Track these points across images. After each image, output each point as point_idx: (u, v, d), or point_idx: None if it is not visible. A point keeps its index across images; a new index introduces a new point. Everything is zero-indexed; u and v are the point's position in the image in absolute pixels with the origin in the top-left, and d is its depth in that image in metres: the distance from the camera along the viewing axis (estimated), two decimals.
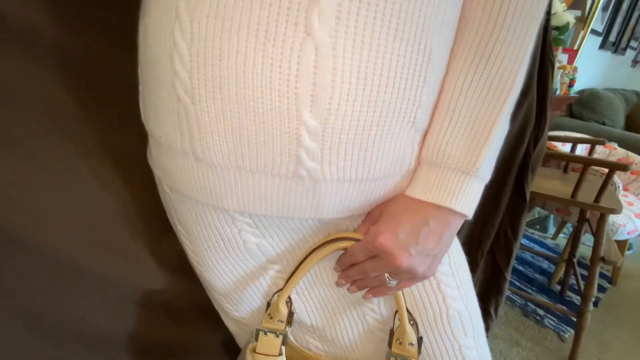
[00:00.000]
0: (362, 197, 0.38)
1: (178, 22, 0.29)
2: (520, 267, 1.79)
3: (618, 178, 1.76)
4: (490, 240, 1.26)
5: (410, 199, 0.38)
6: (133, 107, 0.42)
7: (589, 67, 2.88)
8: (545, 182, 1.32)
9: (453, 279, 0.44)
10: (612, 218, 1.43)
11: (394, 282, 0.39)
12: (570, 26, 1.75)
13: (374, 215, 0.40)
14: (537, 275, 1.75)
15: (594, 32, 2.60)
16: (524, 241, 2.06)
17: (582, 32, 2.37)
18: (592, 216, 1.40)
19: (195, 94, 0.30)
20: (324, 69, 0.28)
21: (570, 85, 1.90)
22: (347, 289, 0.44)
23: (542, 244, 2.04)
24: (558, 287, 1.67)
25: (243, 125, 0.31)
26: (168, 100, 0.33)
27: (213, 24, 0.28)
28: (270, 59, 0.28)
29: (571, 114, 2.53)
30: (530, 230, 2.19)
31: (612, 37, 3.00)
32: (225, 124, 0.31)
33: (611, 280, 1.78)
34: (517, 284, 1.67)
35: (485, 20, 0.34)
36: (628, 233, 1.44)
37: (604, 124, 2.42)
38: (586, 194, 1.18)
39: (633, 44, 3.52)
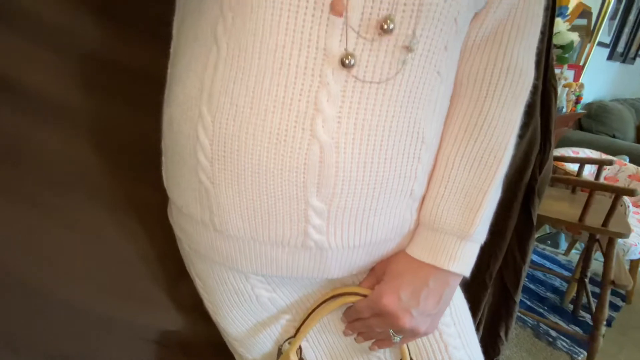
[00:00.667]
0: (366, 258, 0.41)
1: (201, 120, 0.33)
2: (531, 286, 1.78)
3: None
4: (498, 263, 1.27)
5: (411, 258, 0.41)
6: (155, 162, 0.45)
7: (598, 79, 2.87)
8: (553, 203, 1.33)
9: (455, 328, 0.47)
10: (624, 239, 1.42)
11: (398, 338, 0.41)
12: (575, 44, 1.77)
13: (378, 271, 0.43)
14: (549, 294, 1.74)
15: (600, 44, 2.60)
16: (535, 258, 2.05)
17: (588, 45, 2.37)
18: (603, 236, 1.39)
19: (216, 179, 0.34)
20: (328, 163, 0.31)
21: (577, 102, 1.90)
22: (354, 339, 0.47)
23: (554, 261, 2.03)
24: (571, 306, 1.66)
25: (257, 206, 0.34)
26: (190, 180, 0.36)
27: (232, 125, 0.31)
28: (282, 156, 0.31)
29: (580, 127, 2.52)
30: (542, 246, 2.17)
31: (620, 48, 2.98)
32: (242, 204, 0.34)
33: (625, 299, 1.75)
34: (529, 303, 1.66)
35: (474, 101, 0.38)
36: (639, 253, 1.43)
37: (614, 136, 2.40)
38: (595, 217, 1.18)
39: None
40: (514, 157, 1.31)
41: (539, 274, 1.89)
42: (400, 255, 0.42)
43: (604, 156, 1.90)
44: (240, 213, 0.35)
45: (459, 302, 0.48)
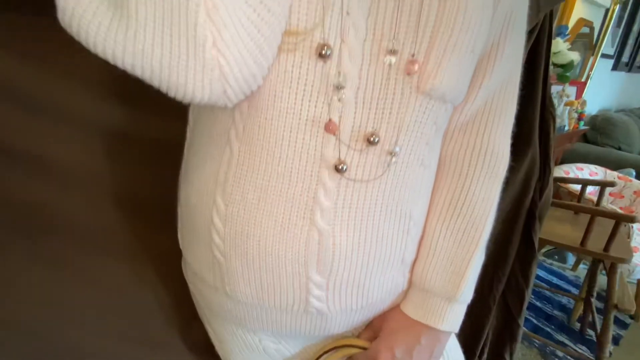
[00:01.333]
0: (363, 317, 0.45)
1: (216, 207, 0.37)
2: (538, 303, 1.78)
3: (637, 205, 1.75)
4: (502, 286, 1.29)
5: (404, 316, 0.44)
6: (171, 214, 0.49)
7: (603, 90, 2.87)
8: (555, 225, 1.35)
9: None
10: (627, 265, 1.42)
11: None
12: (575, 63, 1.79)
13: (375, 325, 0.47)
14: (556, 312, 1.74)
15: (604, 55, 2.61)
16: (542, 273, 2.05)
17: (591, 58, 2.38)
18: None
19: (227, 255, 0.38)
20: (326, 246, 0.36)
21: (580, 118, 1.91)
22: None
23: (561, 276, 2.02)
24: (578, 325, 1.66)
25: (264, 279, 0.38)
26: (205, 252, 0.41)
27: (243, 213, 0.36)
28: (285, 241, 0.35)
29: (586, 139, 2.52)
30: (549, 261, 2.17)
31: (625, 58, 2.98)
32: (250, 277, 0.39)
33: (633, 316, 1.74)
34: (535, 321, 1.67)
35: (456, 179, 0.42)
36: None
37: (619, 149, 2.40)
38: (597, 240, 1.20)
39: None
40: (514, 183, 1.33)
41: (546, 291, 1.89)
42: (395, 311, 0.45)
43: (608, 172, 1.91)
44: (249, 284, 0.39)
45: (452, 349, 0.52)
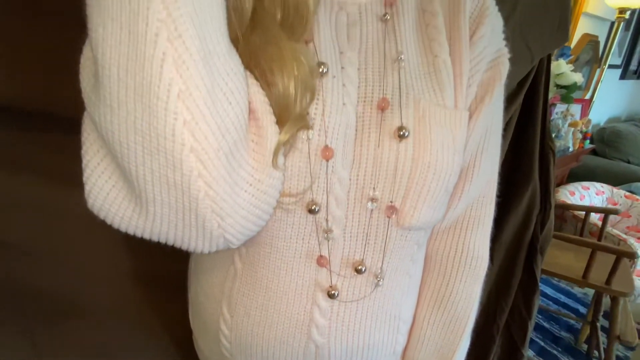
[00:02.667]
0: None
1: (222, 315, 0.42)
2: (545, 324, 1.79)
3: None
4: (505, 315, 1.31)
5: None
6: (183, 281, 0.54)
7: (611, 100, 2.85)
8: (558, 254, 1.36)
9: None
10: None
11: None
12: (578, 84, 1.79)
13: None
14: (563, 333, 1.75)
15: (611, 66, 2.59)
16: (549, 291, 2.05)
17: (597, 72, 2.37)
18: None
19: (234, 355, 0.43)
20: (322, 355, 0.40)
21: (585, 138, 1.91)
22: None
23: (569, 294, 2.02)
24: (585, 346, 1.66)
25: None
26: (214, 346, 0.45)
27: (246, 324, 0.40)
28: (285, 350, 0.40)
29: (594, 152, 2.51)
30: (557, 278, 2.17)
31: (634, 66, 2.95)
32: None
33: (634, 347, 1.74)
34: (542, 343, 1.68)
35: (441, 277, 0.45)
36: None
37: (628, 162, 2.38)
38: (600, 270, 1.21)
39: None
40: (516, 215, 1.35)
41: (553, 308, 1.89)
42: None
43: (615, 191, 1.90)
44: None
45: None
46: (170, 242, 0.31)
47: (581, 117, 2.01)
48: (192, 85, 0.23)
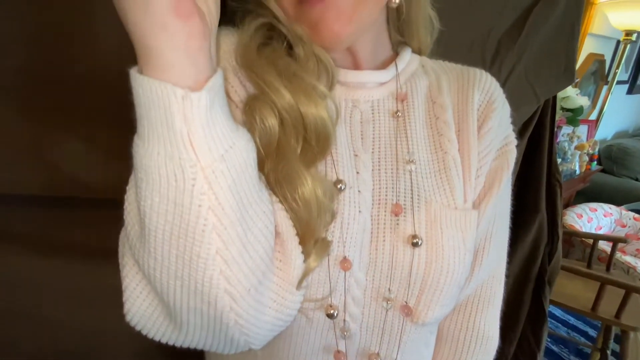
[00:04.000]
0: None
1: None
2: (554, 347, 1.78)
3: None
4: (513, 347, 1.31)
5: None
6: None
7: (618, 115, 2.84)
8: (566, 283, 1.36)
9: None
10: None
11: None
12: (584, 108, 1.80)
13: None
14: (572, 358, 1.74)
15: (618, 82, 2.58)
16: (558, 313, 2.04)
17: (604, 90, 2.37)
18: None
19: None
20: None
21: (591, 160, 1.91)
22: None
23: (578, 316, 2.01)
24: None
25: None
26: None
27: None
28: None
29: (602, 169, 2.50)
30: None
31: None
32: None
33: None
34: None
35: (452, 354, 0.47)
36: None
37: (637, 179, 2.37)
38: (609, 302, 1.21)
39: None
40: (523, 247, 1.36)
41: (562, 331, 1.88)
42: None
43: (624, 212, 1.90)
44: None
45: None
46: (199, 348, 0.33)
47: (588, 139, 2.01)
48: (229, 241, 0.25)
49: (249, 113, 0.33)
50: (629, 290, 1.10)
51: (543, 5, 0.83)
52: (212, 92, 0.24)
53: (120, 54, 0.42)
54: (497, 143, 0.44)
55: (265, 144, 0.32)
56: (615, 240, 1.42)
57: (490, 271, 0.45)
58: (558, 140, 1.83)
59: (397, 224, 0.37)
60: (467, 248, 0.38)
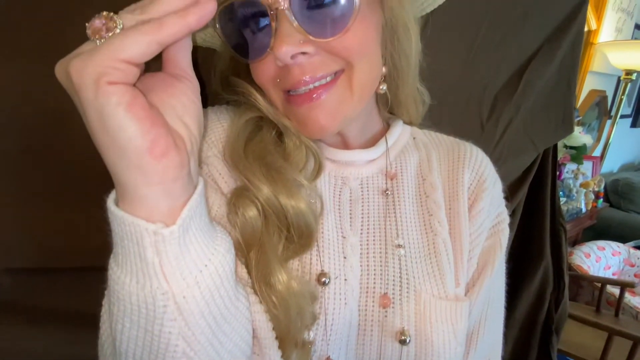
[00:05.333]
0: None
1: None
2: None
3: None
4: None
5: None
6: None
7: (623, 148, 2.83)
8: (574, 330, 1.32)
9: None
10: None
11: None
12: (588, 146, 1.80)
13: None
14: None
15: (622, 116, 2.59)
16: None
17: (608, 125, 2.37)
18: None
19: None
20: None
21: (597, 197, 1.89)
22: None
23: None
24: None
25: None
26: None
27: None
28: None
29: (610, 203, 2.46)
30: None
31: None
32: None
33: None
34: None
35: None
36: None
37: None
38: (618, 352, 1.16)
39: None
40: (528, 294, 1.32)
41: None
42: None
43: (632, 251, 1.86)
44: None
45: None
46: None
47: (593, 175, 2.00)
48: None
49: (231, 206, 0.33)
50: (636, 342, 1.06)
51: (538, 62, 0.84)
52: (186, 220, 0.24)
53: None
54: (489, 222, 0.44)
55: (248, 236, 0.32)
56: (623, 285, 1.38)
57: (486, 353, 0.44)
58: (562, 177, 1.82)
59: (385, 316, 0.36)
60: (458, 341, 0.37)
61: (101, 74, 0.20)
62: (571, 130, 0.99)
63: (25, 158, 0.43)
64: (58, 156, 0.43)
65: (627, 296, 1.52)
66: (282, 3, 0.30)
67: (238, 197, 0.34)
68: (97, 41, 0.21)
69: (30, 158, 0.43)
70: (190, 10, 0.22)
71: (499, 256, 0.43)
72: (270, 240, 0.33)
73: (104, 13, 0.22)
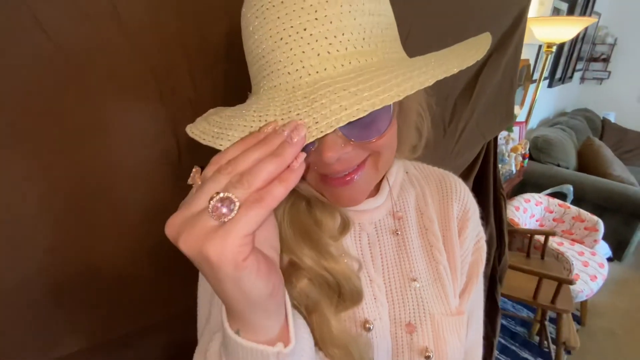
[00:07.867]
0: None
1: None
2: (504, 322, 2.09)
3: (576, 229, 2.08)
4: None
5: None
6: None
7: (541, 106, 3.23)
8: (511, 275, 1.62)
9: None
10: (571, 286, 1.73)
11: None
12: (517, 116, 2.05)
13: None
14: (518, 328, 2.06)
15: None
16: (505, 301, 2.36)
17: (531, 90, 2.68)
18: None
19: None
20: None
21: (524, 158, 2.20)
22: None
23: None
24: (537, 338, 1.98)
25: None
26: None
27: None
28: None
29: (531, 157, 2.86)
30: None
31: (558, 74, 3.36)
32: None
33: (580, 321, 2.10)
34: (503, 341, 1.97)
35: None
36: (586, 296, 1.76)
37: (559, 165, 2.76)
38: (546, 289, 1.47)
39: (579, 66, 3.91)
40: None
41: (509, 306, 2.21)
42: None
43: (550, 200, 2.23)
44: None
45: None
46: None
47: (520, 139, 2.30)
48: None
49: (286, 280, 0.38)
50: (560, 282, 1.36)
51: (489, 68, 0.97)
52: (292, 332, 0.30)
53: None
54: (472, 241, 0.55)
55: (304, 304, 0.39)
56: (547, 234, 1.69)
57: (474, 340, 0.58)
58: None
59: (411, 339, 0.45)
60: (462, 345, 0.50)
61: (237, 254, 0.24)
62: (511, 122, 1.16)
63: None
64: None
65: (550, 240, 1.85)
66: None
67: (288, 271, 0.39)
68: (221, 219, 0.24)
69: None
70: (289, 177, 0.26)
71: (482, 267, 0.55)
72: (326, 303, 0.39)
73: (217, 193, 0.24)
